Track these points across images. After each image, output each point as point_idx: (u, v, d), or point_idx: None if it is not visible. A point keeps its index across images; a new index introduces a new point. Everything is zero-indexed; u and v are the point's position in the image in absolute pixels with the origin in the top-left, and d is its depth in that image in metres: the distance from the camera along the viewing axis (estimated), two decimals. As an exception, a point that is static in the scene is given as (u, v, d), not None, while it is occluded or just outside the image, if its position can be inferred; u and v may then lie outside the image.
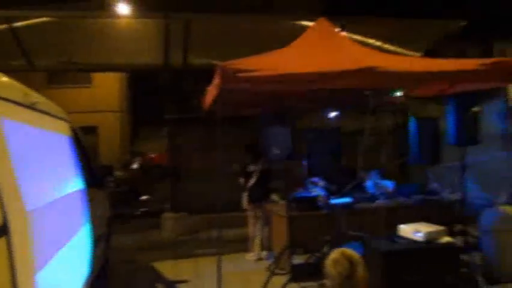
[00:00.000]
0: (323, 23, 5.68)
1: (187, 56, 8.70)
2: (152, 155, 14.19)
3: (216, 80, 4.47)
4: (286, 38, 5.43)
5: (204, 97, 5.87)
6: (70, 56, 8.28)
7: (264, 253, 6.40)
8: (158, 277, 6.06)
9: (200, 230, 8.30)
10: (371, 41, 8.78)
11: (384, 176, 6.31)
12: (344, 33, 7.19)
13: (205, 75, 5.30)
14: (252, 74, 4.19)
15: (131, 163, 13.71)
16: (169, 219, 8.53)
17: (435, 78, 4.81)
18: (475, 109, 4.98)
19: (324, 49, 5.11)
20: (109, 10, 7.96)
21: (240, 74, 4.16)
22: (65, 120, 3.86)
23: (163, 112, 8.93)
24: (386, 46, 9.04)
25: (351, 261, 2.30)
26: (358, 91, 5.13)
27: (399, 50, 9.28)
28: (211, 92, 5.14)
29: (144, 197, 10.79)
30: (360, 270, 2.30)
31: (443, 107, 5.37)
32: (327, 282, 2.35)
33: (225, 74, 4.22)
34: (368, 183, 6.25)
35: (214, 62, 5.23)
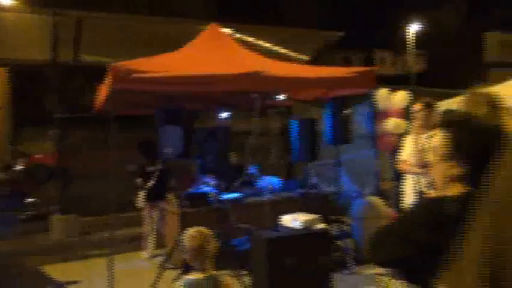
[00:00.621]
0: (215, 27, 5.99)
1: (78, 54, 8.44)
2: (38, 156, 13.30)
3: (108, 80, 4.53)
4: (180, 40, 5.64)
5: (96, 96, 5.82)
6: None
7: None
8: (47, 280, 5.86)
9: (91, 231, 8.10)
10: (261, 44, 9.30)
11: (272, 173, 6.81)
12: (236, 35, 7.56)
13: (97, 73, 5.25)
14: (144, 75, 4.34)
15: (13, 164, 12.73)
16: (57, 221, 8.16)
17: (314, 84, 5.39)
18: (347, 112, 5.63)
19: (215, 53, 5.41)
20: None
21: (133, 75, 4.29)
22: None
23: (51, 111, 8.51)
24: (276, 49, 9.63)
25: (203, 237, 2.67)
26: (246, 93, 5.50)
27: (288, 53, 9.94)
28: (103, 91, 5.15)
29: (30, 200, 10.12)
30: (211, 244, 2.67)
31: (322, 109, 5.99)
32: (184, 255, 2.70)
33: (117, 74, 4.31)
34: (258, 180, 6.70)
35: (107, 61, 5.22)
